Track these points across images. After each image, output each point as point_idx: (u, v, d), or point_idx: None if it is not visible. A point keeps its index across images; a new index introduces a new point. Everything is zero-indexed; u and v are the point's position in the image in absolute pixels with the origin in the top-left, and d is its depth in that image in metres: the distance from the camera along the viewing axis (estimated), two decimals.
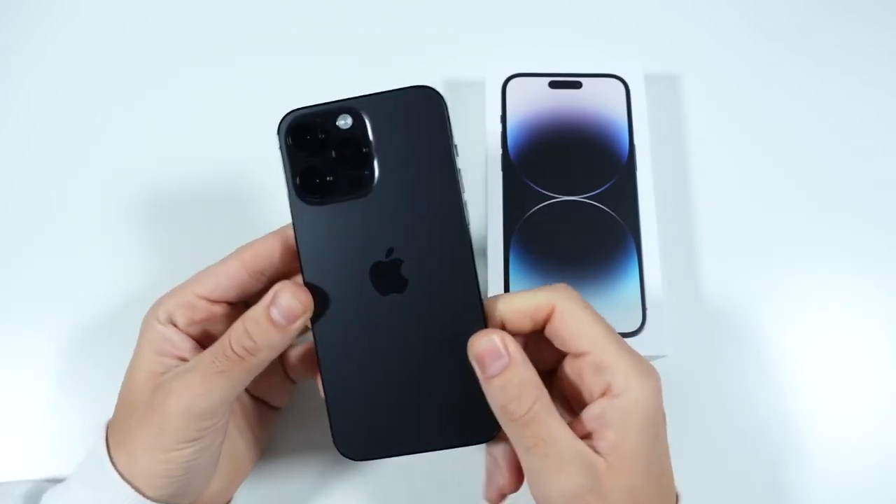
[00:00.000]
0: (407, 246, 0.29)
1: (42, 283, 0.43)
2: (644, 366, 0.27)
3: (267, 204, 0.44)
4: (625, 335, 0.38)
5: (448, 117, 0.29)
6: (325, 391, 0.30)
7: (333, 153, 0.29)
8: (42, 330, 0.42)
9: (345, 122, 0.29)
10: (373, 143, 0.29)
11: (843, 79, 0.48)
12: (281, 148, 0.29)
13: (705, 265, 0.43)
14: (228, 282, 0.31)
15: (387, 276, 0.29)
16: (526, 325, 0.29)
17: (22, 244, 0.44)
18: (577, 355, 0.28)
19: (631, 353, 0.28)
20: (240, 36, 0.49)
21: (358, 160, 0.29)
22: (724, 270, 0.43)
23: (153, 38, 0.49)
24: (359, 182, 0.29)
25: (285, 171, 0.29)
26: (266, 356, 0.28)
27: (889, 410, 0.40)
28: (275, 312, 0.28)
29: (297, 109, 0.29)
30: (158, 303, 0.31)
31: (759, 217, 0.44)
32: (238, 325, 0.28)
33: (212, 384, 0.28)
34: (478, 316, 0.29)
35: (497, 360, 0.27)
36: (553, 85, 0.44)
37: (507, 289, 0.39)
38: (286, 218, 0.29)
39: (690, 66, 0.48)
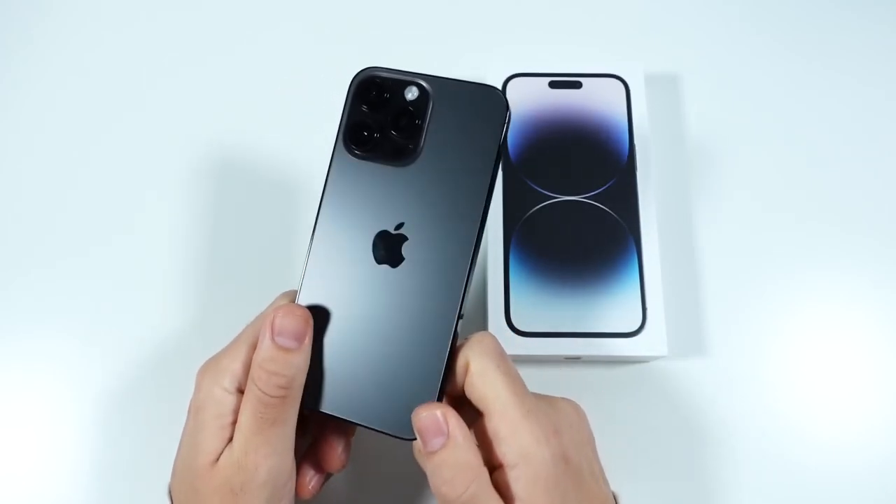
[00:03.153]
0: (417, 227, 0.29)
1: (53, 286, 0.43)
2: (542, 431, 0.26)
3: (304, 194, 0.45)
4: (625, 335, 0.38)
5: (506, 129, 0.29)
6: None
7: (390, 118, 0.30)
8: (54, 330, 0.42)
9: (411, 93, 0.30)
10: (428, 122, 0.30)
11: (842, 79, 0.48)
12: (346, 96, 0.31)
13: (705, 265, 0.43)
14: None
15: (387, 246, 0.30)
16: (458, 384, 0.28)
17: (23, 249, 0.44)
18: (483, 416, 0.28)
19: (529, 416, 0.27)
20: (238, 35, 0.49)
21: (409, 131, 0.30)
22: (723, 270, 0.43)
23: (157, 34, 0.49)
24: (401, 152, 0.30)
25: (341, 119, 0.31)
26: (301, 381, 0.28)
27: (890, 410, 0.40)
28: (282, 340, 0.28)
29: (377, 68, 0.31)
30: (218, 367, 0.30)
31: (758, 217, 0.44)
32: (258, 372, 0.28)
33: (276, 439, 0.28)
34: (454, 312, 0.28)
35: (436, 437, 0.26)
36: (553, 85, 0.44)
37: (507, 289, 0.39)
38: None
39: (690, 66, 0.48)
